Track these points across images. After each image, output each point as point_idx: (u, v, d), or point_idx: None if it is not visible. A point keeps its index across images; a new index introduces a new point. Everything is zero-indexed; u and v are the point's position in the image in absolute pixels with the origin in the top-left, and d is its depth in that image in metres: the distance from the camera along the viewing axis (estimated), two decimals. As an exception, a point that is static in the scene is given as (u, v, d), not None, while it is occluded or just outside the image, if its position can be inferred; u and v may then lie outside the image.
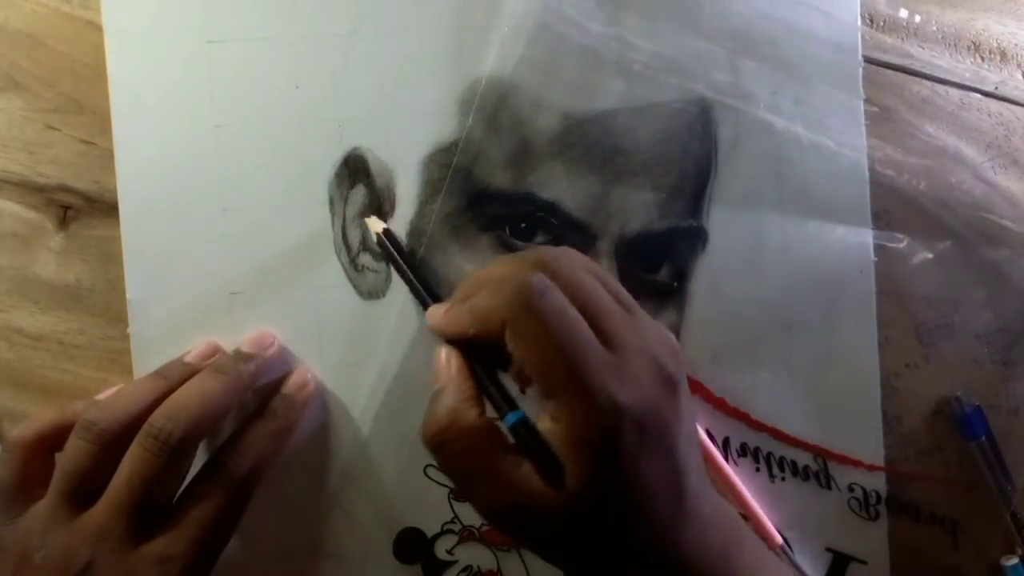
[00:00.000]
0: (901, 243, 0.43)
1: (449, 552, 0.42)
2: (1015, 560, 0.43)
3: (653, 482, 0.32)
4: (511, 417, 0.32)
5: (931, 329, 0.43)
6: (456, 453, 0.33)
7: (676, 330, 0.42)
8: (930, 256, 0.43)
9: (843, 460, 0.43)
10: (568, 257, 0.35)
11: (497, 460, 0.32)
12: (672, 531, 0.32)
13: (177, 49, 0.40)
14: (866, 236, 0.43)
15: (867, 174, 0.42)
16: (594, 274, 0.35)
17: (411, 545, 0.42)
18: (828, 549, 0.43)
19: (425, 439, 0.33)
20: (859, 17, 0.43)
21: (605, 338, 0.32)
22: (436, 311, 0.36)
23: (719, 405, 0.42)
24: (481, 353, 0.34)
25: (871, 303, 0.43)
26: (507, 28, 0.41)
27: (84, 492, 0.34)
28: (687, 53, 0.42)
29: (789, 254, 0.42)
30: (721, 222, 0.42)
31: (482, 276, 0.35)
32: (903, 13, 0.44)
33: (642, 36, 0.41)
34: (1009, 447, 0.43)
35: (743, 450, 0.43)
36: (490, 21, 0.41)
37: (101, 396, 0.39)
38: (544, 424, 0.32)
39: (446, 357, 0.35)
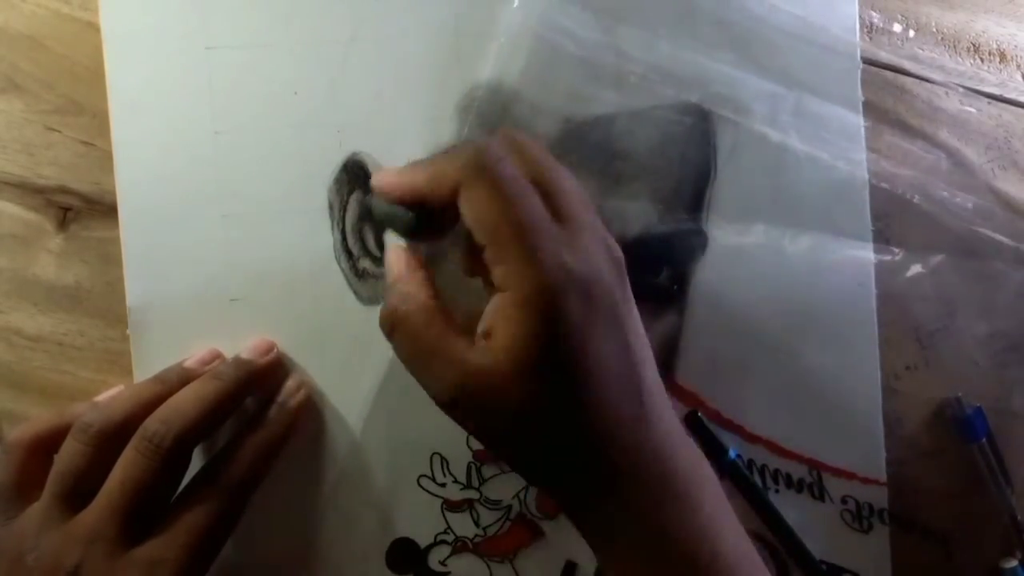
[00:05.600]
0: (896, 256, 0.43)
1: (442, 563, 0.42)
2: (1014, 563, 0.43)
3: (604, 361, 0.31)
4: None
5: (931, 331, 0.43)
6: (406, 336, 0.33)
7: (676, 334, 0.42)
8: (925, 269, 0.43)
9: (838, 472, 0.43)
10: (535, 143, 0.35)
11: (445, 339, 0.32)
12: (629, 429, 0.32)
13: (176, 55, 0.40)
14: (866, 247, 0.43)
15: (866, 185, 0.42)
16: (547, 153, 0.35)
17: (404, 555, 0.42)
18: (821, 561, 0.43)
19: (381, 327, 0.34)
20: (858, 20, 0.43)
21: (557, 213, 0.33)
22: (387, 171, 0.35)
23: (713, 416, 0.42)
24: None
25: (871, 311, 0.43)
26: (504, 38, 0.41)
27: (78, 494, 0.34)
28: (684, 64, 0.41)
29: (789, 260, 0.42)
30: (721, 227, 0.42)
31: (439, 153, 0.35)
32: (902, 15, 0.44)
33: (639, 47, 0.41)
34: (1009, 449, 0.43)
35: (737, 461, 0.43)
36: (488, 27, 0.41)
37: (100, 398, 0.39)
38: (496, 291, 0.32)
39: (395, 253, 0.35)
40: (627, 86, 0.41)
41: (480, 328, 0.32)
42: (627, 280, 0.34)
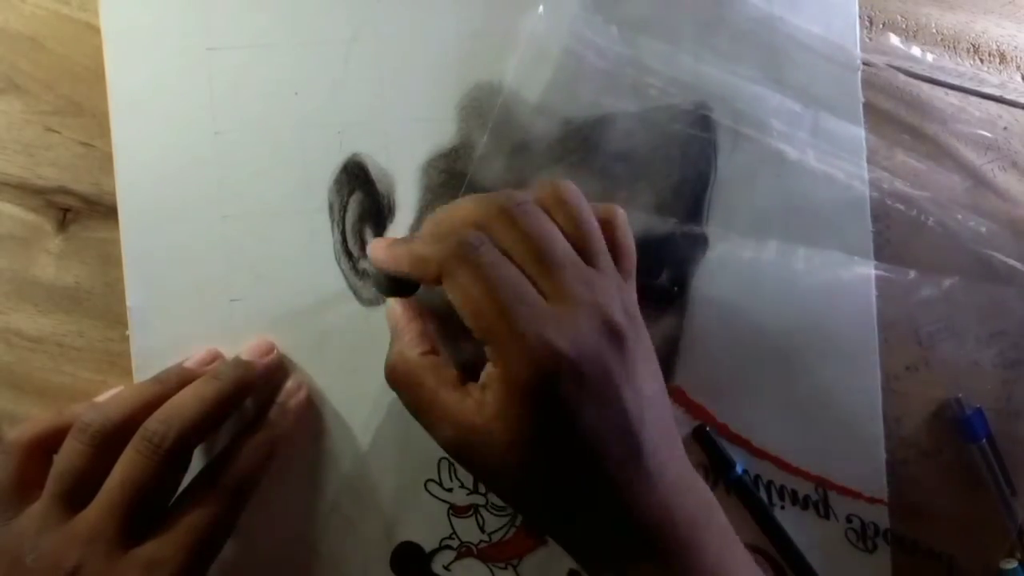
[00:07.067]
0: (909, 276, 0.43)
1: (446, 568, 0.42)
2: (1014, 564, 0.43)
3: (598, 434, 0.32)
4: None
5: (931, 332, 0.43)
6: (405, 391, 0.35)
7: (676, 336, 0.42)
8: (936, 290, 0.43)
9: (844, 491, 0.42)
10: (530, 207, 0.34)
11: (441, 394, 0.34)
12: (629, 490, 0.33)
13: (176, 55, 0.40)
14: (867, 251, 0.42)
15: (868, 191, 0.42)
16: (570, 212, 0.35)
17: (408, 559, 0.41)
18: (825, 579, 0.43)
19: (386, 380, 0.36)
20: (858, 20, 0.43)
21: (549, 291, 0.33)
22: (379, 243, 0.36)
23: (721, 431, 0.42)
24: None
25: (872, 313, 0.42)
26: (525, 47, 0.41)
27: (78, 494, 0.34)
28: (702, 77, 0.42)
29: (796, 275, 0.42)
30: (721, 229, 0.42)
31: (441, 217, 0.35)
32: (901, 17, 0.44)
33: (660, 60, 0.41)
34: (1010, 449, 0.43)
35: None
36: (489, 27, 0.41)
37: (100, 399, 0.39)
38: (488, 368, 0.32)
39: (393, 306, 0.37)
40: (646, 99, 0.41)
41: (480, 380, 0.33)
42: (631, 345, 0.34)
